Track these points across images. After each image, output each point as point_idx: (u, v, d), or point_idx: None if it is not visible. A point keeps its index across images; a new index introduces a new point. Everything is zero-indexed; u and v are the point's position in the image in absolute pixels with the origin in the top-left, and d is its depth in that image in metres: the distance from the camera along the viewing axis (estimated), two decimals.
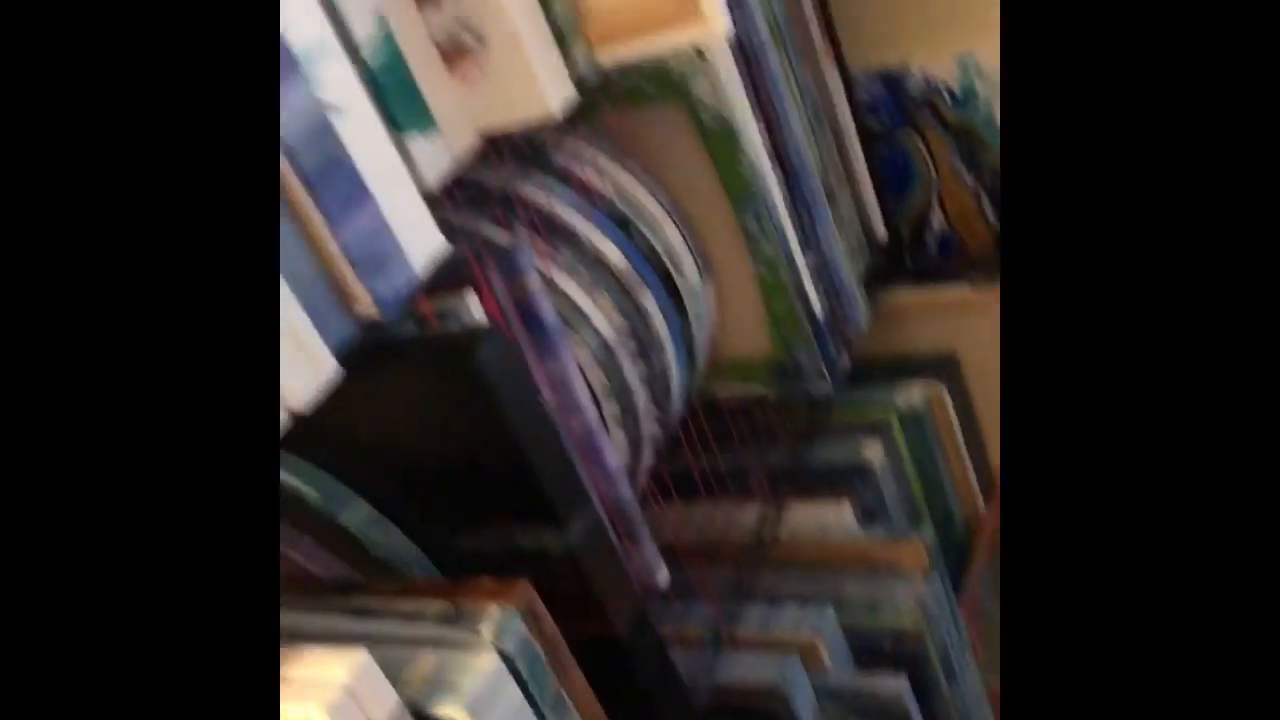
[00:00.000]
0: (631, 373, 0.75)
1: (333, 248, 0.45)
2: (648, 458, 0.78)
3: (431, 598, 0.51)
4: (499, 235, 0.73)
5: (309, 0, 0.45)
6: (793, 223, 0.80)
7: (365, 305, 0.47)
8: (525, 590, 0.49)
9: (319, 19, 0.45)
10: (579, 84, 0.61)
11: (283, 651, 0.45)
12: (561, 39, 0.60)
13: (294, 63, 0.44)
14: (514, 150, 0.76)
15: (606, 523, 0.60)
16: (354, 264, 0.46)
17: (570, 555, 0.56)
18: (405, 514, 0.59)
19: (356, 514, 0.58)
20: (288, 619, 0.50)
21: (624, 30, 0.60)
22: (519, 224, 0.74)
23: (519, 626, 0.48)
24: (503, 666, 0.46)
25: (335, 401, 0.46)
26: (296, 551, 0.56)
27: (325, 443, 0.56)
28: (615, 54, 0.61)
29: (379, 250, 0.47)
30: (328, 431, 0.52)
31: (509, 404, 0.52)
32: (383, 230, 0.47)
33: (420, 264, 0.49)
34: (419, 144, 0.55)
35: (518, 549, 0.57)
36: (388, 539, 0.58)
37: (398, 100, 0.54)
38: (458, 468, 0.55)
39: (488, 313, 0.67)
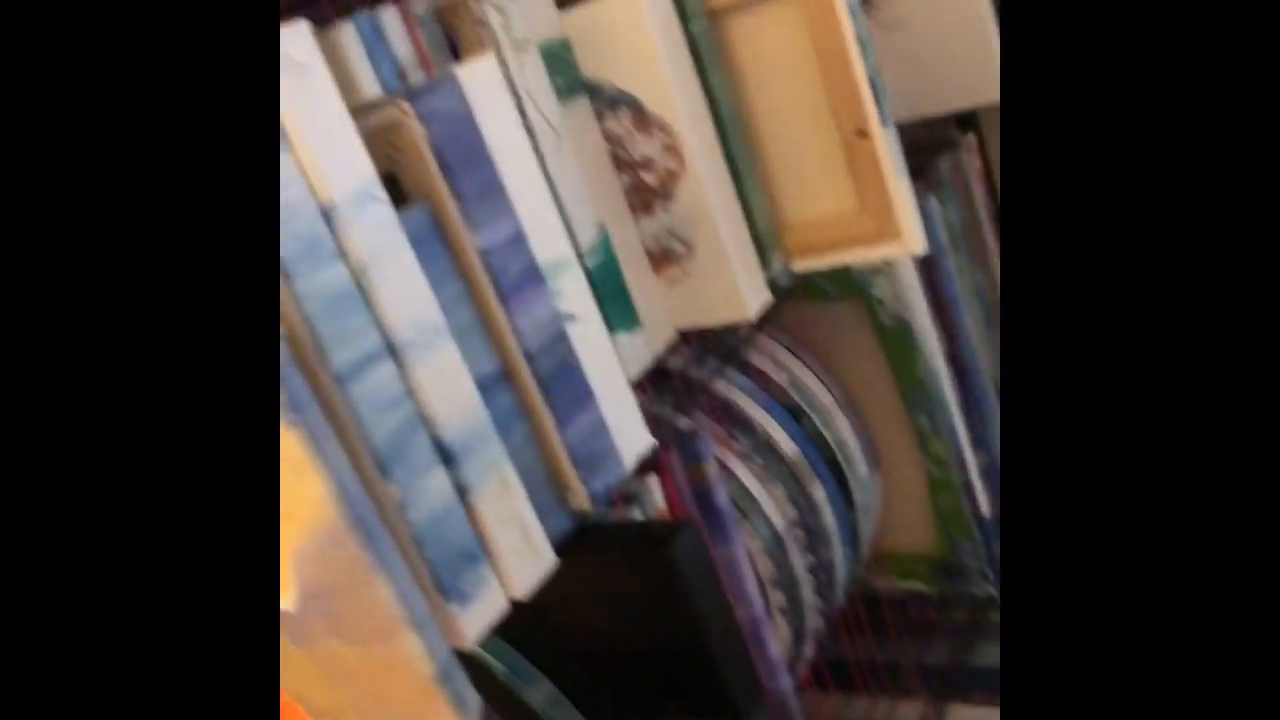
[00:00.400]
0: (799, 564, 0.76)
1: (558, 446, 0.49)
2: (809, 650, 0.78)
3: None
4: (680, 420, 0.76)
5: (557, 222, 0.50)
6: (964, 422, 0.81)
7: (580, 499, 0.50)
8: None
9: (561, 235, 0.50)
10: (773, 289, 0.65)
11: None
12: (762, 250, 0.64)
13: (540, 276, 0.48)
14: (697, 340, 0.80)
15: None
16: (575, 461, 0.49)
17: None
18: (585, 697, 0.60)
19: (541, 692, 0.60)
20: None
21: (823, 245, 0.64)
22: (699, 410, 0.77)
23: None
24: None
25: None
26: None
27: (517, 621, 0.59)
28: (810, 264, 0.65)
29: (597, 448, 0.50)
30: (522, 611, 0.55)
31: (698, 597, 0.54)
32: (602, 429, 0.51)
33: (631, 461, 0.52)
34: (624, 341, 0.59)
35: None
36: (566, 719, 0.60)
37: (612, 303, 0.59)
38: (644, 656, 0.57)
39: (667, 497, 0.70)
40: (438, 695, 0.38)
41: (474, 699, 0.40)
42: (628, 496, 0.69)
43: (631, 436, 0.53)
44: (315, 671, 0.39)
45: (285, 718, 0.40)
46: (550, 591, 0.55)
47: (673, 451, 0.72)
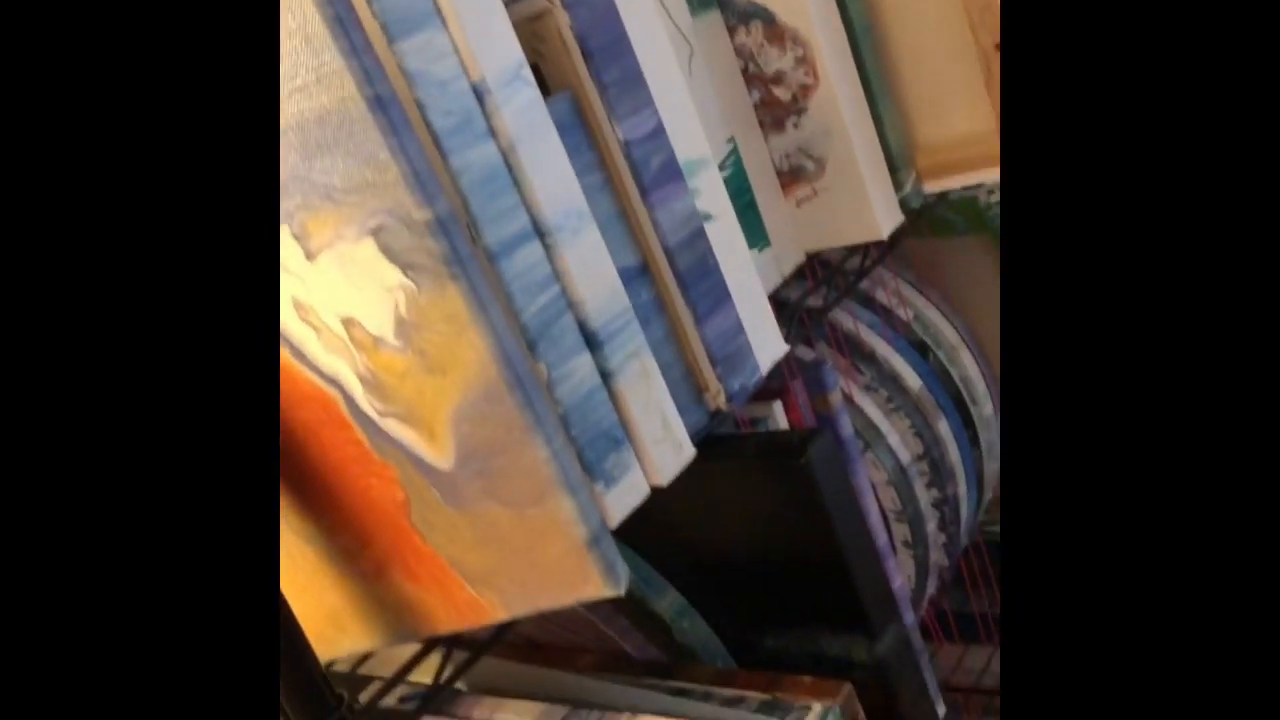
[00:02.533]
0: (923, 497, 0.75)
1: (696, 343, 0.49)
2: (932, 586, 0.77)
3: (751, 688, 0.52)
4: (805, 352, 0.76)
5: (696, 121, 0.50)
6: None
7: (717, 398, 0.50)
8: (849, 691, 0.49)
9: (699, 134, 0.50)
10: (904, 210, 0.64)
11: (619, 718, 0.47)
12: (894, 169, 0.63)
13: (680, 173, 0.49)
14: (821, 271, 0.79)
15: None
16: (713, 358, 0.49)
17: (879, 667, 0.56)
18: (712, 607, 0.61)
19: (669, 602, 0.60)
20: (615, 691, 0.52)
21: (957, 165, 0.63)
22: (822, 341, 0.76)
23: None
24: None
25: (662, 492, 0.49)
26: (613, 630, 0.58)
27: (648, 531, 0.59)
28: (943, 185, 0.64)
29: (734, 348, 0.50)
30: (651, 521, 0.55)
31: (833, 506, 0.53)
32: (738, 329, 0.51)
33: (766, 364, 0.52)
34: (754, 260, 0.59)
35: (821, 654, 0.58)
36: (694, 629, 0.60)
37: (741, 219, 0.59)
38: (774, 567, 0.57)
39: (792, 425, 0.70)
40: (589, 560, 0.39)
41: (624, 569, 0.40)
42: (753, 421, 0.69)
43: (766, 341, 0.53)
44: (470, 535, 0.39)
45: (440, 582, 0.41)
46: (680, 500, 0.55)
47: (797, 380, 0.72)
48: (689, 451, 0.48)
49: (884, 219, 0.63)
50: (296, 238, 0.36)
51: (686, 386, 0.50)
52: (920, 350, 0.78)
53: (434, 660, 0.47)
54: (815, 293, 0.74)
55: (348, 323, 0.37)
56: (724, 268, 0.51)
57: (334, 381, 0.38)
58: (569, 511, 0.38)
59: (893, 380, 0.76)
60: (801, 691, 0.51)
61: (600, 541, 0.39)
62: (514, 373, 0.37)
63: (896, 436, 0.74)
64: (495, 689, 0.53)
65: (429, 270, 0.35)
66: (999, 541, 0.85)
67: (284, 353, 0.39)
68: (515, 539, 0.39)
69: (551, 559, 0.39)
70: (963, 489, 0.77)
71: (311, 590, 0.43)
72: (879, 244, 0.66)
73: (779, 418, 0.70)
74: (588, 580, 0.39)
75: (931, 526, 0.75)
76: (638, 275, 0.48)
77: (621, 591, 0.40)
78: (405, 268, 0.35)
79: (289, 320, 0.38)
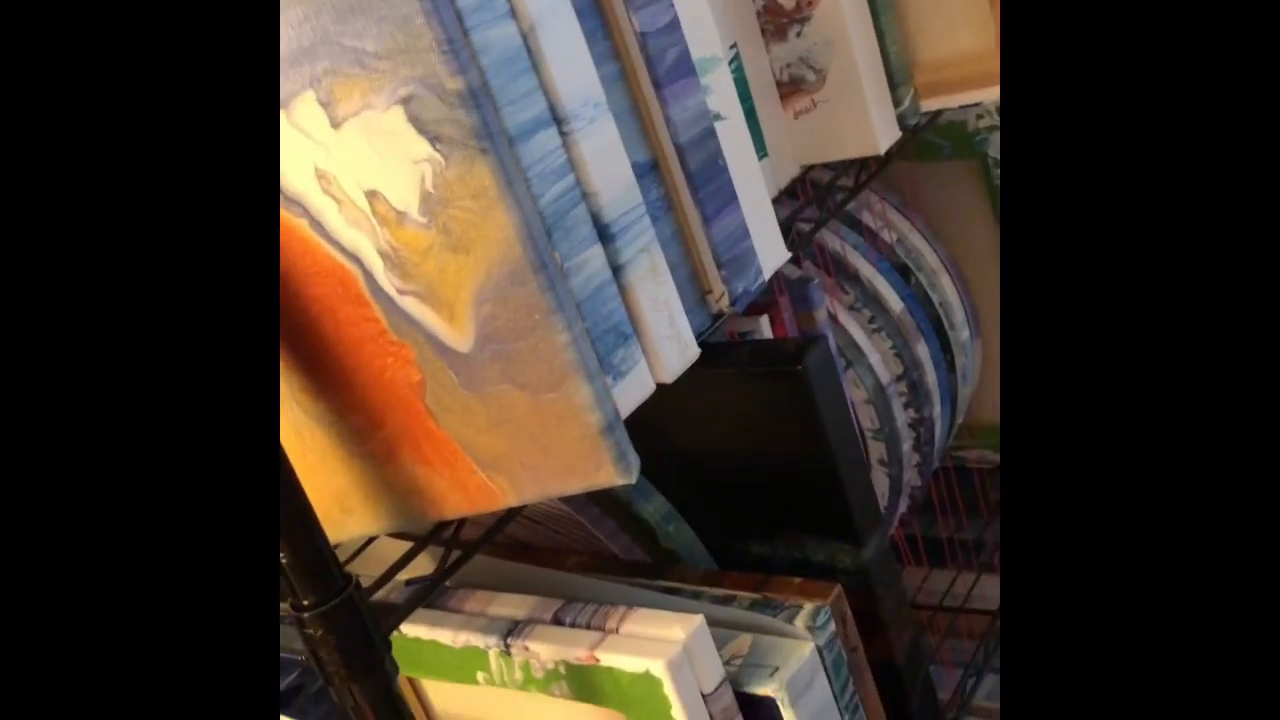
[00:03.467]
0: (900, 417, 0.76)
1: (702, 244, 0.49)
2: (903, 506, 0.78)
3: (741, 588, 0.53)
4: (791, 269, 0.76)
5: (710, 18, 0.49)
6: None
7: (721, 301, 0.50)
8: (838, 592, 0.50)
9: (715, 34, 0.50)
10: (901, 126, 0.64)
11: (615, 612, 0.48)
12: (894, 84, 0.63)
13: (694, 69, 0.48)
14: (808, 192, 0.79)
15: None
16: (718, 260, 0.49)
17: (862, 573, 0.57)
18: (698, 513, 0.61)
19: (655, 507, 0.61)
20: (606, 588, 0.53)
21: (955, 83, 0.63)
22: (808, 260, 0.77)
23: (831, 624, 0.49)
24: (817, 657, 0.47)
25: (653, 398, 0.49)
26: (600, 532, 0.59)
27: (636, 437, 0.59)
28: (940, 103, 0.64)
29: (739, 251, 0.50)
30: (641, 426, 0.55)
31: (826, 413, 0.54)
32: (744, 233, 0.51)
33: (769, 269, 0.52)
34: None
35: (806, 561, 0.59)
36: (679, 534, 0.61)
37: None
38: (763, 474, 0.57)
39: (776, 339, 0.70)
40: (602, 447, 0.39)
41: (635, 458, 0.40)
42: (740, 334, 0.70)
43: (770, 247, 0.53)
44: (484, 419, 0.39)
45: (451, 466, 0.40)
46: (671, 406, 0.55)
47: (784, 296, 0.72)
48: (694, 350, 0.48)
49: (882, 134, 0.62)
50: (322, 104, 0.35)
51: (690, 288, 0.50)
52: (903, 273, 0.78)
53: (420, 559, 0.47)
54: (804, 212, 0.73)
55: (371, 195, 0.36)
56: (732, 170, 0.50)
57: (353, 256, 0.38)
58: (586, 398, 0.38)
59: (875, 301, 0.76)
60: (791, 592, 0.52)
61: (614, 429, 0.39)
62: (539, 254, 0.37)
63: (877, 356, 0.74)
64: (485, 586, 0.53)
65: (458, 143, 0.35)
66: (967, 466, 0.87)
67: (302, 224, 0.38)
68: (530, 424, 0.39)
69: (565, 445, 0.39)
70: (938, 411, 0.78)
71: (319, 471, 0.42)
72: (868, 165, 0.66)
73: (765, 332, 0.70)
74: (600, 467, 0.40)
75: (907, 446, 0.76)
76: (648, 172, 0.48)
77: (633, 479, 0.40)
78: (434, 140, 0.35)
79: (309, 190, 0.37)
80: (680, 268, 0.49)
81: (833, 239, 0.77)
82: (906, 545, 0.82)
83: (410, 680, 0.56)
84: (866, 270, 0.77)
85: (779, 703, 0.46)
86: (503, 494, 0.41)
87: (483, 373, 0.39)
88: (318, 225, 0.38)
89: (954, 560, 0.85)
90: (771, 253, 0.53)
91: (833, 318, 0.75)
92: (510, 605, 0.50)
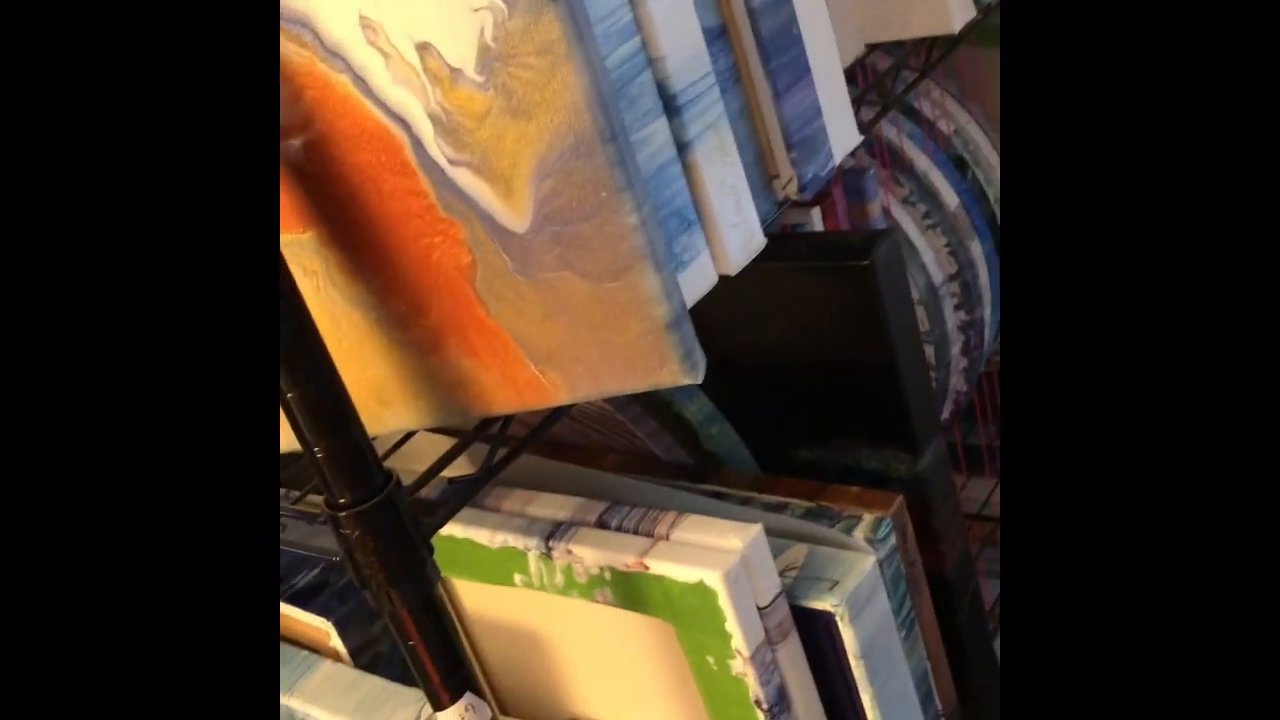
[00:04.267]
0: (951, 319, 0.72)
1: (772, 121, 0.45)
2: (946, 411, 0.75)
3: (793, 495, 0.50)
4: (844, 159, 0.71)
5: None
6: None
7: (787, 184, 0.46)
8: (900, 503, 0.48)
9: None
10: (975, 6, 0.59)
11: (665, 517, 0.45)
12: None
13: None
14: (864, 79, 0.74)
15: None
16: (788, 141, 0.45)
17: (918, 482, 0.54)
18: (742, 415, 0.58)
19: (698, 407, 0.58)
20: (650, 491, 0.50)
21: None
22: (863, 150, 0.72)
23: (892, 537, 0.46)
24: (878, 571, 0.45)
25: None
26: (641, 431, 0.56)
27: None
28: None
29: (810, 131, 0.46)
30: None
31: (891, 311, 0.50)
32: (816, 112, 0.46)
33: (839, 153, 0.48)
34: None
35: (858, 468, 0.56)
36: (722, 436, 0.58)
37: None
38: (818, 375, 0.54)
39: (840, 231, 0.66)
40: (667, 343, 0.35)
41: (701, 357, 0.37)
42: (792, 227, 0.66)
43: (842, 129, 0.48)
44: (539, 308, 0.36)
45: (500, 359, 0.37)
46: (720, 301, 0.52)
47: (838, 187, 0.68)
48: (759, 240, 0.44)
49: (957, 10, 0.57)
50: None
51: (757, 170, 0.45)
52: (959, 166, 0.74)
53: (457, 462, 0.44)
54: (863, 101, 0.69)
55: (422, 49, 0.32)
56: (806, 41, 0.46)
57: (400, 120, 0.33)
58: (653, 288, 0.35)
59: (931, 196, 0.72)
60: (848, 501, 0.49)
61: (681, 324, 0.36)
62: (609, 122, 0.32)
63: (931, 254, 0.70)
64: (522, 484, 0.50)
65: None
66: None
67: (343, 81, 0.34)
68: (589, 315, 0.36)
69: (627, 339, 0.36)
70: (989, 314, 0.75)
71: (355, 360, 0.39)
72: (929, 49, 0.61)
73: (816, 225, 0.66)
74: (664, 365, 0.36)
75: (955, 350, 0.72)
76: (716, 38, 0.43)
77: (699, 379, 0.37)
78: None
79: (352, 42, 0.33)
80: (746, 148, 0.45)
81: (889, 128, 0.72)
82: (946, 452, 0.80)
83: (442, 580, 0.54)
84: (922, 163, 0.72)
85: (838, 618, 0.43)
86: (555, 391, 0.37)
87: (539, 257, 0.35)
88: (360, 82, 0.33)
89: (992, 468, 0.83)
90: (844, 135, 0.48)
91: (886, 211, 0.70)
92: (551, 506, 0.48)
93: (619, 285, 0.35)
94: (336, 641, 0.53)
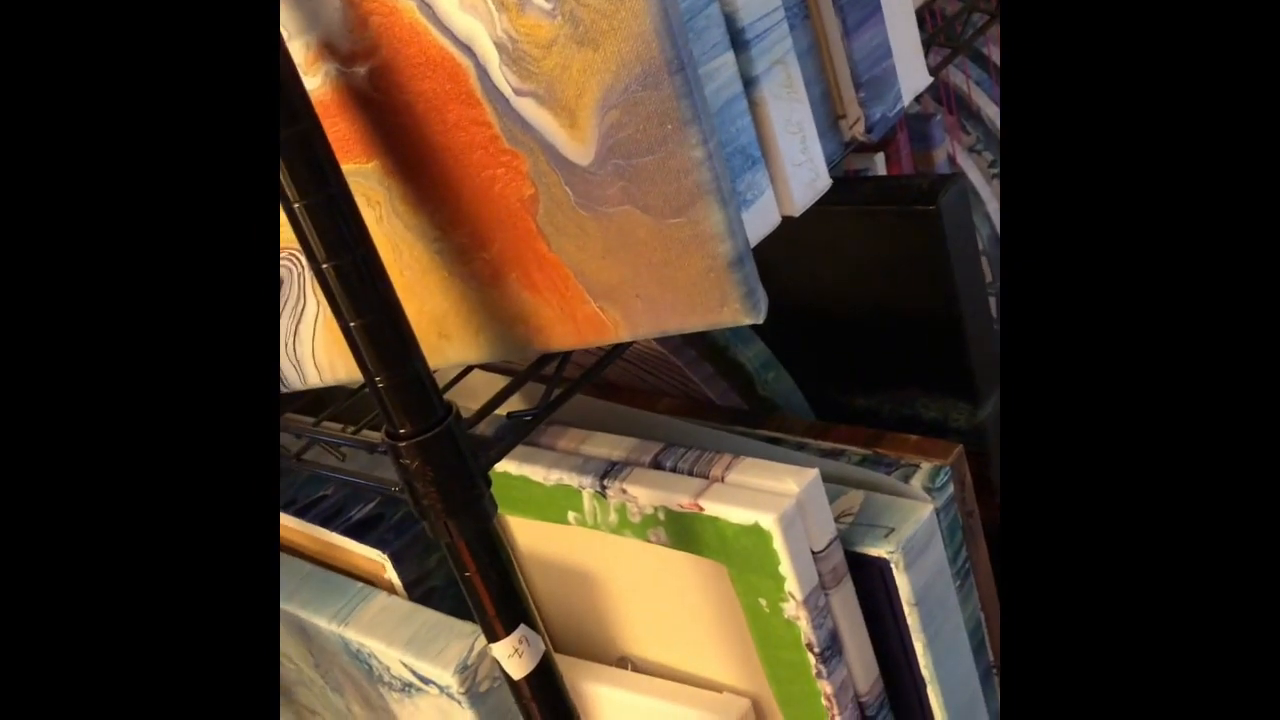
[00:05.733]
0: None
1: (840, 59, 0.43)
2: None
3: (850, 442, 0.49)
4: (909, 104, 0.70)
5: None
6: None
7: (855, 124, 0.45)
8: (959, 453, 0.47)
9: None
10: None
11: (721, 459, 0.45)
12: None
13: None
14: (937, 20, 0.72)
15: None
16: (856, 81, 0.44)
17: (977, 433, 0.53)
18: (799, 362, 0.58)
19: (755, 353, 0.57)
20: (706, 434, 0.50)
21: None
22: (928, 95, 0.70)
23: (950, 486, 0.46)
24: (935, 520, 0.44)
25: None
26: (697, 375, 0.55)
27: None
28: None
29: (879, 70, 0.45)
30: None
31: (957, 258, 0.49)
32: (886, 51, 0.45)
33: (909, 95, 0.47)
34: None
35: (916, 417, 0.55)
36: (778, 381, 0.57)
37: None
38: (879, 323, 0.53)
39: (907, 175, 0.65)
40: (730, 281, 0.35)
41: (764, 297, 0.36)
42: (855, 172, 0.64)
43: (912, 70, 0.47)
44: (600, 243, 0.35)
45: (561, 294, 0.37)
46: (780, 245, 0.51)
47: (903, 133, 0.67)
48: (825, 181, 0.43)
49: None
50: None
51: (823, 110, 0.44)
52: None
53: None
54: (931, 45, 0.67)
55: None
56: None
57: (466, 47, 0.33)
58: (717, 224, 0.34)
59: (998, 144, 0.70)
60: (907, 449, 0.48)
61: (745, 262, 0.35)
62: (678, 52, 0.32)
63: (996, 204, 0.69)
64: (576, 423, 0.51)
65: None
66: None
67: (409, 7, 0.33)
68: (651, 251, 0.35)
69: (688, 277, 0.35)
70: None
71: (417, 292, 0.39)
72: None
73: (879, 170, 0.65)
74: (725, 304, 0.36)
75: None
76: None
77: (761, 319, 0.36)
78: None
79: None
80: (814, 86, 0.44)
81: (956, 74, 0.70)
82: None
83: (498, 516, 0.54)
84: (990, 110, 0.71)
85: (893, 565, 0.43)
86: (615, 327, 0.37)
87: (602, 190, 0.34)
88: (426, 8, 0.33)
89: None
90: (913, 76, 0.47)
91: (951, 159, 0.69)
92: (606, 445, 0.48)
93: (682, 221, 0.34)
94: (392, 574, 0.54)
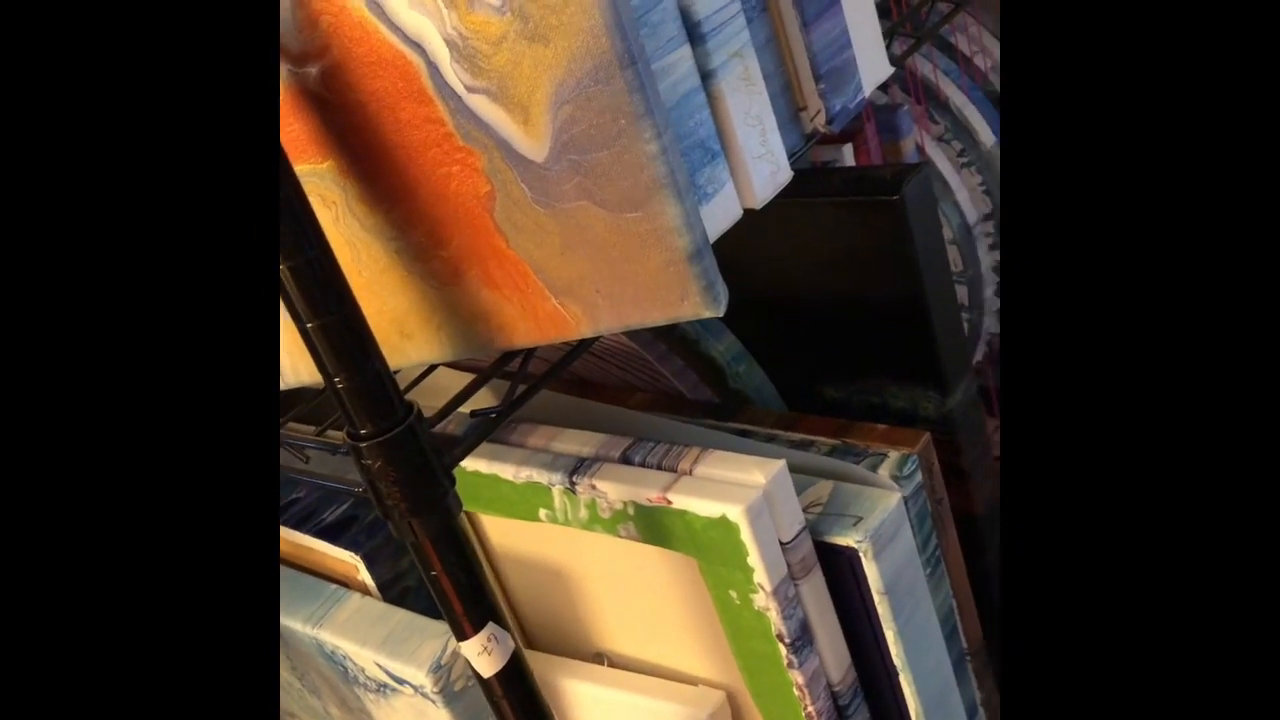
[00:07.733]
0: (985, 260, 0.71)
1: (800, 51, 0.44)
2: (980, 353, 0.74)
3: (818, 433, 0.49)
4: (877, 95, 0.70)
5: None
6: None
7: (815, 116, 0.45)
8: (927, 441, 0.47)
9: None
10: None
11: (689, 453, 0.45)
12: None
13: None
14: (903, 8, 0.72)
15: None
16: (816, 72, 0.44)
17: (946, 421, 0.53)
18: (769, 354, 0.58)
19: (725, 346, 0.57)
20: (675, 428, 0.50)
21: None
22: (896, 86, 0.71)
23: (918, 474, 0.46)
24: (903, 508, 0.44)
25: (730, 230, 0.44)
26: (667, 369, 0.55)
27: None
28: None
29: (839, 62, 0.45)
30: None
31: (922, 248, 0.50)
32: (846, 42, 0.45)
33: (870, 85, 0.47)
34: None
35: (885, 407, 0.55)
36: (749, 374, 0.58)
37: None
38: (847, 313, 0.53)
39: (871, 166, 0.65)
40: (689, 275, 0.35)
41: (724, 290, 0.36)
42: (823, 163, 0.64)
43: (872, 61, 0.47)
44: (558, 239, 0.35)
45: (521, 291, 0.37)
46: (746, 238, 0.51)
47: (871, 123, 0.67)
48: (786, 173, 0.43)
49: None
50: None
51: (783, 104, 0.45)
52: (996, 103, 0.72)
53: (477, 393, 0.44)
54: (895, 34, 0.67)
55: None
56: None
57: (416, 45, 0.33)
58: (673, 218, 0.34)
59: (966, 133, 0.70)
60: (874, 439, 0.48)
61: (703, 255, 0.35)
62: (628, 47, 0.32)
63: (965, 193, 0.69)
64: (546, 420, 0.51)
65: None
66: None
67: (358, 5, 0.33)
68: (610, 246, 0.35)
69: (647, 271, 0.35)
70: None
71: (376, 291, 0.39)
72: None
73: (848, 161, 0.65)
74: (685, 297, 0.36)
75: (989, 292, 0.71)
76: None
77: (721, 312, 0.36)
78: None
79: None
80: (774, 78, 0.44)
81: (923, 63, 0.71)
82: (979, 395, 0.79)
83: (467, 514, 0.54)
84: (958, 99, 0.71)
85: (861, 554, 0.43)
86: (576, 323, 0.37)
87: (559, 186, 0.34)
88: (376, 7, 0.33)
89: None
90: (874, 67, 0.47)
91: (919, 149, 0.69)
92: (576, 441, 0.48)
93: (639, 215, 0.34)
94: (365, 575, 0.54)
